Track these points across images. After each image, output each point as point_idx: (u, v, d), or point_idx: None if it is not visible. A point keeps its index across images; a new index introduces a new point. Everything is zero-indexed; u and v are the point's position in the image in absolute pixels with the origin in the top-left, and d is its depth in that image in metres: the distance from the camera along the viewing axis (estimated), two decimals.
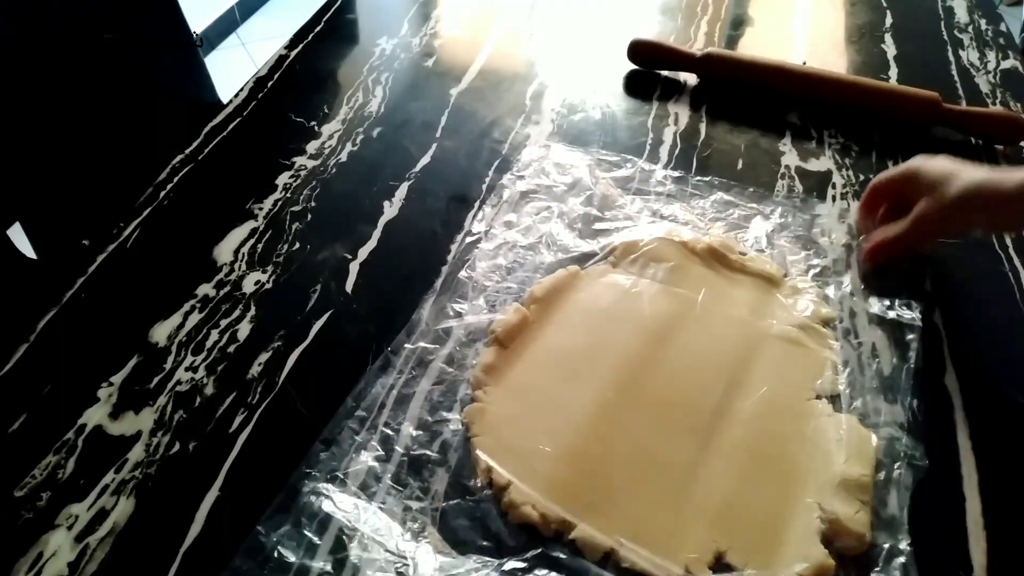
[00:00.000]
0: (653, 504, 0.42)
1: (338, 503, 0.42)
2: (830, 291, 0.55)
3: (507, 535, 0.41)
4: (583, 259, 0.57)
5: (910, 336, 0.51)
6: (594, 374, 0.49)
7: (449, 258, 0.58)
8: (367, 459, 0.45)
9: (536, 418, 0.46)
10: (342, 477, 0.44)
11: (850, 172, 0.67)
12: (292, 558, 0.40)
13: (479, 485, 0.43)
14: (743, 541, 0.41)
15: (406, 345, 0.51)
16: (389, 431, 0.46)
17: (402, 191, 0.65)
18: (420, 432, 0.46)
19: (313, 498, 0.43)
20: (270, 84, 0.77)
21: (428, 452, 0.45)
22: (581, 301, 0.54)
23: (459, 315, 0.53)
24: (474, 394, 0.48)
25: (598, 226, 0.60)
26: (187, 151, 0.68)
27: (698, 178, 0.65)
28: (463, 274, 0.56)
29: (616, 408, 0.47)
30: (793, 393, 0.48)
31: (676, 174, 0.66)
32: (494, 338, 0.51)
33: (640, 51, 0.79)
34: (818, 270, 0.57)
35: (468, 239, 0.58)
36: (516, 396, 0.48)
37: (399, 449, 0.45)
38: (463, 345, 0.51)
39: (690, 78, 0.79)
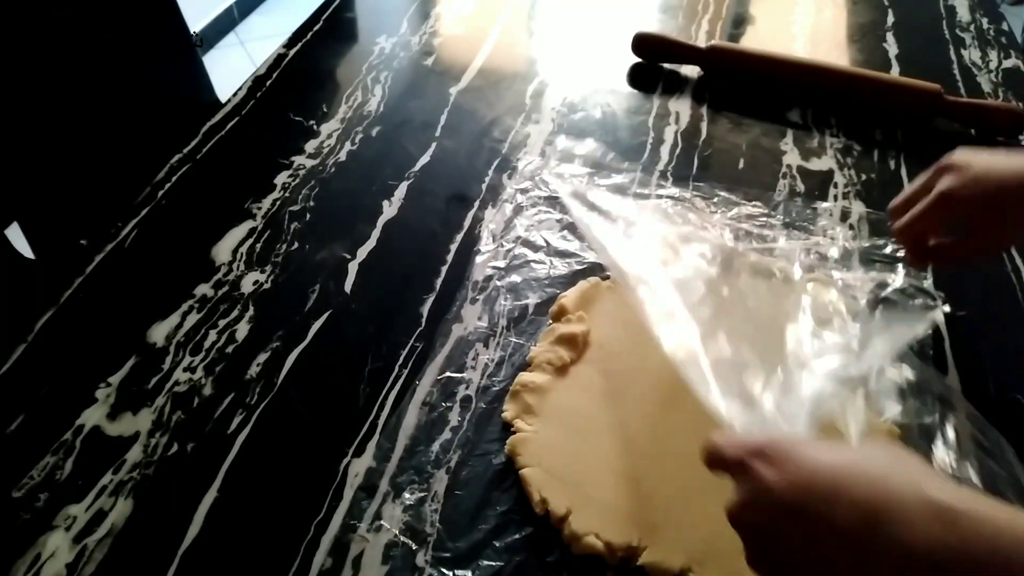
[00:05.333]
0: (714, 519, 0.41)
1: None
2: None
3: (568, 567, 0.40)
4: (596, 269, 0.57)
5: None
6: (634, 391, 0.48)
7: (449, 258, 0.58)
8: (411, 500, 0.43)
9: (582, 442, 0.45)
10: (387, 526, 0.42)
11: (852, 171, 0.67)
12: None
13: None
14: None
15: (438, 375, 0.50)
16: (430, 469, 0.45)
17: (401, 191, 0.64)
18: (461, 466, 0.45)
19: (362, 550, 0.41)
20: (269, 83, 0.77)
21: (474, 489, 0.44)
22: (607, 315, 0.52)
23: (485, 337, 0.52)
24: (515, 423, 0.46)
25: (606, 233, 0.59)
26: (185, 150, 0.68)
27: (698, 178, 0.65)
28: (480, 296, 0.55)
29: (663, 425, 0.46)
30: (824, 390, 0.47)
31: (676, 175, 0.66)
32: (560, 338, 0.49)
33: (644, 44, 0.79)
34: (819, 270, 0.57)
35: (478, 258, 0.58)
36: (559, 421, 0.46)
37: (441, 489, 0.44)
38: (491, 374, 0.50)
39: (691, 76, 0.78)
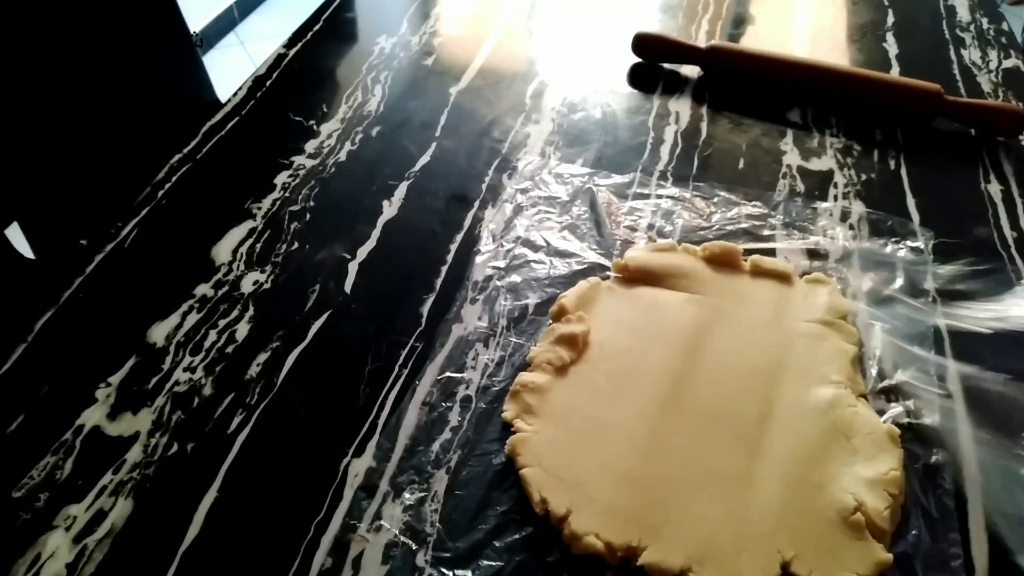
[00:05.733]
0: (715, 519, 0.42)
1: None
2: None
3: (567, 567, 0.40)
4: (596, 269, 0.57)
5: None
6: (636, 391, 0.48)
7: (449, 258, 0.58)
8: (411, 500, 0.43)
9: (582, 442, 0.45)
10: (387, 526, 0.42)
11: (852, 171, 0.67)
12: None
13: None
14: (805, 547, 0.40)
15: (438, 375, 0.50)
16: (430, 469, 0.45)
17: (401, 190, 0.64)
18: (461, 466, 0.45)
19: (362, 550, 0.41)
20: (268, 83, 0.77)
21: (474, 489, 0.44)
22: (607, 316, 0.52)
23: (485, 338, 0.52)
24: (515, 423, 0.46)
25: (605, 234, 0.60)
26: (185, 150, 0.68)
27: (698, 178, 0.65)
28: (479, 295, 0.55)
29: (663, 424, 0.46)
30: (825, 390, 0.48)
31: (676, 175, 0.66)
32: (560, 338, 0.50)
33: (644, 43, 0.79)
34: (820, 269, 0.57)
35: (478, 258, 0.57)
36: (558, 421, 0.46)
37: (441, 489, 0.44)
38: (491, 374, 0.50)
39: (691, 76, 0.78)
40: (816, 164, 0.68)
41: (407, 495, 0.43)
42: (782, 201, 0.63)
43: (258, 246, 0.59)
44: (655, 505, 0.42)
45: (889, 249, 0.58)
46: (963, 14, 0.90)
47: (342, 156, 0.68)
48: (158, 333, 0.52)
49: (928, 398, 0.48)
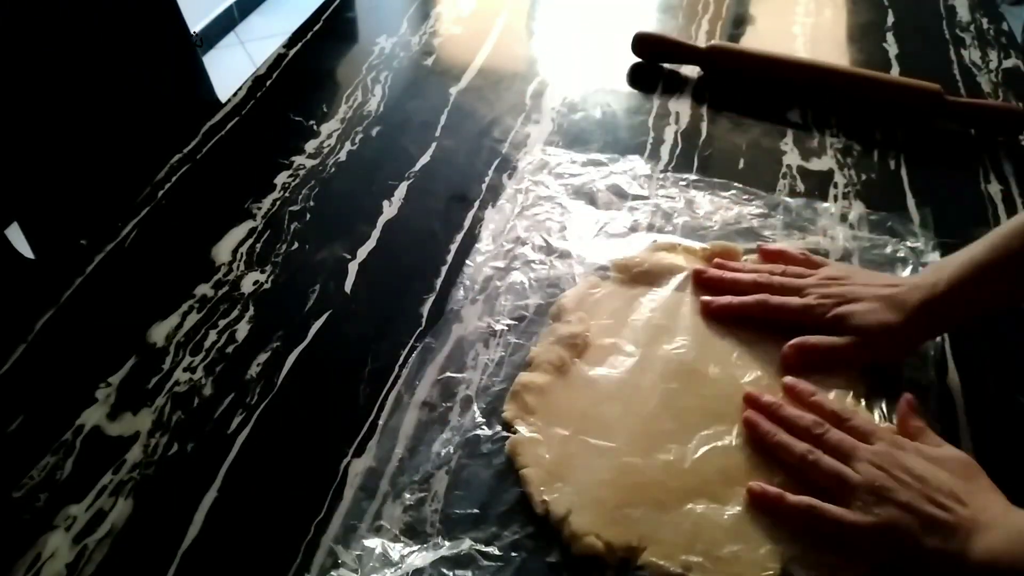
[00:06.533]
0: (715, 520, 0.42)
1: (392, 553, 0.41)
2: None
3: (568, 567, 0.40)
4: (596, 269, 0.56)
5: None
6: (635, 391, 0.48)
7: (449, 258, 0.58)
8: (411, 500, 0.43)
9: (582, 443, 0.45)
10: (387, 527, 0.42)
11: (852, 172, 0.67)
12: None
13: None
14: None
15: (438, 375, 0.50)
16: (430, 469, 0.44)
17: (401, 191, 0.64)
18: (461, 466, 0.45)
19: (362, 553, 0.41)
20: (269, 83, 0.77)
21: (474, 490, 0.44)
22: (607, 315, 0.52)
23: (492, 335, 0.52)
24: (515, 423, 0.46)
25: (605, 233, 0.60)
26: (185, 150, 0.68)
27: (699, 178, 0.65)
28: (480, 296, 0.55)
29: (663, 425, 0.46)
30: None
31: (676, 175, 0.66)
32: (560, 338, 0.50)
33: (644, 43, 0.79)
34: None
35: (478, 258, 0.57)
36: (558, 421, 0.46)
37: (441, 489, 0.44)
38: (491, 374, 0.50)
39: (691, 76, 0.78)
40: (816, 164, 0.68)
41: (407, 495, 0.43)
42: (782, 201, 0.63)
43: (258, 246, 0.59)
44: (655, 505, 0.42)
45: (889, 249, 0.58)
46: (963, 14, 0.90)
47: (342, 156, 0.68)
48: (158, 333, 0.52)
49: (928, 399, 0.48)
